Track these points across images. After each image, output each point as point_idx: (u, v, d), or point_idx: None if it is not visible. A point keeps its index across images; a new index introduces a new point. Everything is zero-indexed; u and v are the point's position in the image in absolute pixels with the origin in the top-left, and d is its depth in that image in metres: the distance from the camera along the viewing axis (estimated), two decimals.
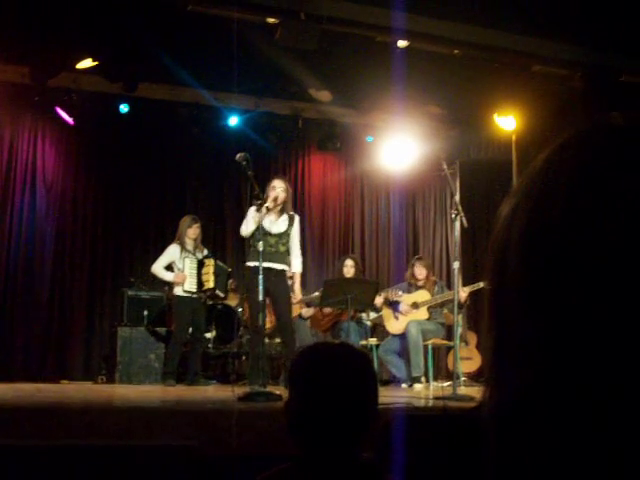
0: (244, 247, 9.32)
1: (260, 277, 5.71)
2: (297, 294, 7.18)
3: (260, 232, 6.16)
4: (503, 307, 0.55)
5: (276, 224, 6.69)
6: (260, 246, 5.86)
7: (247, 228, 6.44)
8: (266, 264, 6.36)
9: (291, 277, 7.18)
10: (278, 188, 6.66)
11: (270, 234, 6.61)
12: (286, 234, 6.75)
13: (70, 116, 8.91)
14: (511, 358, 0.54)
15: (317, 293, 7.91)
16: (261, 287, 5.69)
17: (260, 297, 5.72)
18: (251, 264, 6.42)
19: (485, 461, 0.56)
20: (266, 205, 6.41)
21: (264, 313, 6.16)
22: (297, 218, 6.91)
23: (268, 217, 6.55)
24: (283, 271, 6.75)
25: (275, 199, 6.60)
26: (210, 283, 7.96)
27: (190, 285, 7.91)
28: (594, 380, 0.49)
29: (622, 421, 0.48)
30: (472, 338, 8.97)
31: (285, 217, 6.77)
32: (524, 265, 0.53)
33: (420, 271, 8.11)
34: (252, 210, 6.42)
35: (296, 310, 8.07)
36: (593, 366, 0.49)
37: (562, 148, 0.55)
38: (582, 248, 0.50)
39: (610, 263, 0.49)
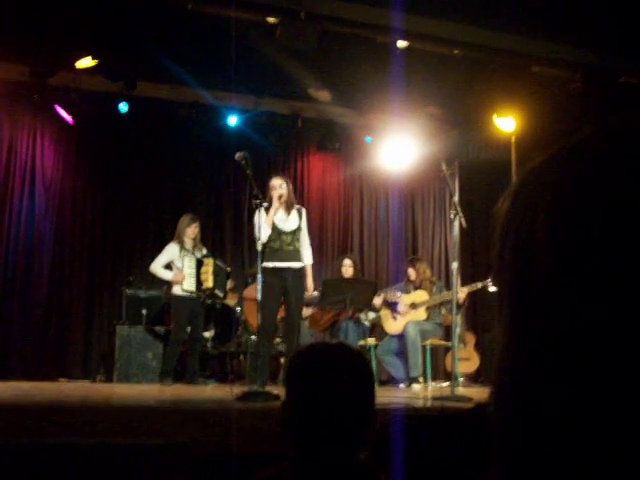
0: (243, 247, 9.34)
1: (259, 276, 5.72)
2: (309, 287, 7.01)
3: (275, 232, 6.21)
4: (529, 304, 0.54)
5: (288, 221, 6.65)
6: (259, 246, 5.89)
7: (264, 233, 6.30)
8: (285, 264, 6.40)
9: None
10: (278, 186, 6.63)
11: (285, 232, 6.58)
12: (299, 229, 6.71)
13: (69, 115, 8.91)
14: (534, 355, 0.53)
15: (316, 293, 7.91)
16: (260, 287, 5.70)
17: (259, 297, 5.72)
18: (268, 265, 6.39)
19: (489, 460, 0.56)
20: (276, 207, 6.42)
21: (265, 313, 6.20)
22: (304, 210, 6.87)
23: (278, 215, 6.55)
24: (300, 269, 6.65)
25: (280, 197, 6.56)
26: (209, 282, 7.96)
27: (189, 284, 7.91)
28: (629, 384, 0.48)
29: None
30: (470, 339, 8.97)
31: (294, 212, 6.73)
32: (554, 260, 0.52)
33: (410, 272, 8.12)
34: (261, 214, 6.31)
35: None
36: (633, 370, 0.48)
37: (588, 142, 0.55)
38: (619, 241, 0.49)
39: None
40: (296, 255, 6.62)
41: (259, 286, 5.70)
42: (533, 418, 0.52)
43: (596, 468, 0.49)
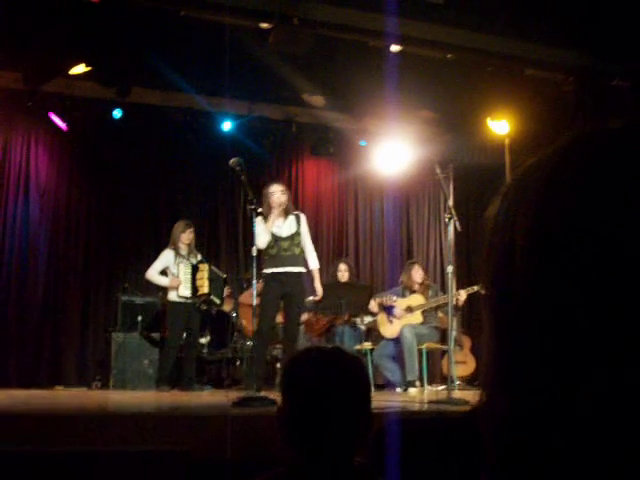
0: (238, 252, 9.34)
1: (254, 282, 5.73)
2: (319, 290, 7.14)
3: (272, 239, 6.25)
4: (508, 308, 0.55)
5: (284, 227, 6.69)
6: (254, 251, 5.89)
7: (262, 240, 6.43)
8: (282, 269, 6.45)
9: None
10: (277, 192, 6.67)
11: (282, 238, 6.62)
12: (297, 234, 6.74)
13: (63, 121, 8.90)
14: (516, 359, 0.54)
15: (312, 298, 7.91)
16: (255, 292, 5.71)
17: (254, 302, 5.74)
18: (267, 271, 6.48)
19: (481, 463, 0.56)
20: (275, 214, 6.47)
21: (263, 318, 6.22)
22: (303, 216, 6.93)
23: (276, 222, 6.59)
24: (300, 274, 6.70)
25: (280, 205, 6.62)
26: (205, 288, 7.95)
27: (185, 290, 7.90)
28: (608, 383, 0.49)
29: (632, 427, 0.48)
30: (466, 342, 8.98)
31: (291, 218, 6.77)
32: (532, 264, 0.53)
33: (419, 274, 8.11)
34: (259, 221, 6.36)
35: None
36: (610, 369, 0.49)
37: (565, 150, 0.56)
38: (592, 246, 0.50)
39: (626, 265, 0.49)
40: (294, 260, 6.65)
41: (254, 292, 5.71)
42: (519, 421, 0.53)
43: (583, 469, 0.49)
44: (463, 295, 7.66)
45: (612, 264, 0.49)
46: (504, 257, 0.55)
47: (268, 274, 6.46)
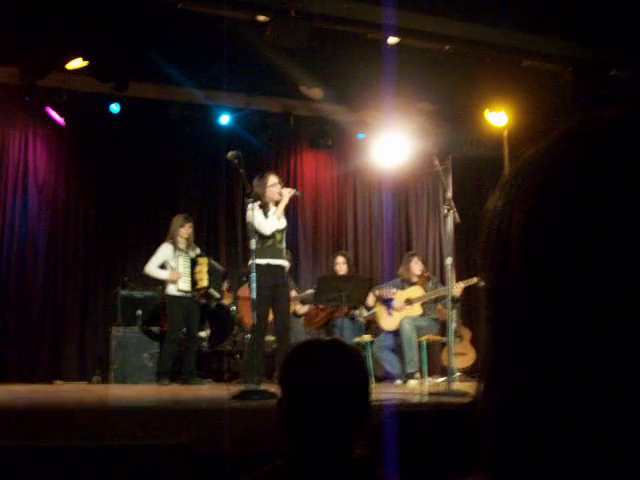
0: (237, 246, 9.34)
1: (253, 275, 5.72)
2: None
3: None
4: (503, 302, 0.55)
5: (281, 220, 6.69)
6: (253, 244, 5.88)
7: (271, 226, 6.41)
8: (277, 261, 6.43)
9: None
10: (277, 184, 6.67)
11: (279, 230, 6.61)
12: (285, 230, 6.76)
13: (61, 116, 8.89)
14: (511, 353, 0.54)
15: (311, 290, 7.91)
16: (254, 285, 5.70)
17: (254, 295, 5.73)
18: (261, 262, 6.32)
19: (479, 455, 0.56)
20: (286, 202, 6.49)
21: (259, 311, 6.20)
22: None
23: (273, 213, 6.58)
24: (285, 267, 6.77)
25: (280, 195, 6.62)
26: (204, 282, 7.96)
27: (184, 284, 7.91)
28: (598, 377, 0.49)
29: (622, 419, 0.48)
30: (466, 334, 8.98)
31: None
32: (527, 259, 0.53)
33: (417, 266, 8.11)
34: (257, 208, 6.32)
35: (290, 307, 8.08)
36: (600, 364, 0.49)
37: (560, 142, 0.56)
38: (587, 242, 0.50)
39: (616, 257, 0.49)
40: (284, 254, 6.71)
41: (254, 284, 5.71)
42: (515, 412, 0.53)
43: (579, 462, 0.49)
44: (459, 287, 7.65)
45: (608, 257, 0.49)
46: (501, 249, 0.55)
47: (263, 265, 6.28)
